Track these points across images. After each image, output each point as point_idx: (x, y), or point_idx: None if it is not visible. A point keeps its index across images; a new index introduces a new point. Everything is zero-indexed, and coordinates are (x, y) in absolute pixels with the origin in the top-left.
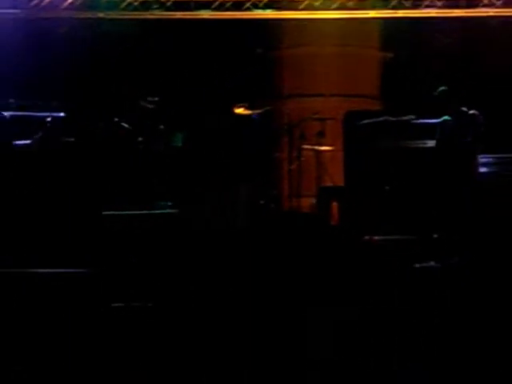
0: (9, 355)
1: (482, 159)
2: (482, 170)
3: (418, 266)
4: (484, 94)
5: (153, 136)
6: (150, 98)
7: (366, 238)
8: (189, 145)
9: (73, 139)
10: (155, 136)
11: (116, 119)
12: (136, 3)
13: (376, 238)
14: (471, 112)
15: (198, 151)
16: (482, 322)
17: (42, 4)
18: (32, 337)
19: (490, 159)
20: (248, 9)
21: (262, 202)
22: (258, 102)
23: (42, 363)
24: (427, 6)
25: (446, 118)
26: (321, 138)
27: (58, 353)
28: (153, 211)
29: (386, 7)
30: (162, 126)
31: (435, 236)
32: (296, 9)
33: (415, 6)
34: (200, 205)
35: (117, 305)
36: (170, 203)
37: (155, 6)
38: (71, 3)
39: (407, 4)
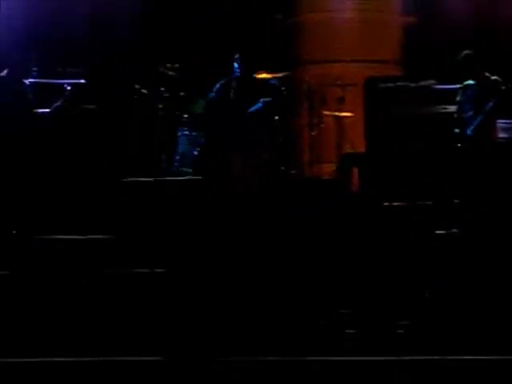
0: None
1: (501, 124)
2: (502, 135)
3: (438, 232)
4: (506, 60)
5: (173, 103)
6: (169, 65)
7: (387, 203)
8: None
9: (93, 106)
10: (175, 102)
11: (136, 86)
12: None
13: (397, 203)
14: (493, 78)
15: (217, 116)
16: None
17: None
18: (52, 300)
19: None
20: None
21: (282, 168)
22: (277, 67)
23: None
24: None
25: (468, 82)
26: (341, 104)
27: (75, 316)
28: (173, 178)
29: None
30: (182, 93)
31: (456, 201)
32: None
33: None
34: (222, 170)
35: (139, 270)
36: (190, 170)
37: None
38: None
39: None
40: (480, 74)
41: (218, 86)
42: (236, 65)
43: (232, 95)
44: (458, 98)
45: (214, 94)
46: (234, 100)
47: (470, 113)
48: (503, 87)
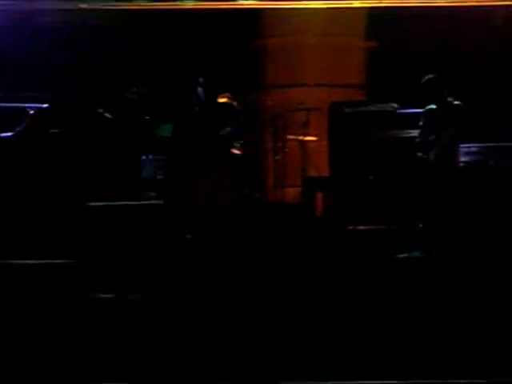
0: None
1: (463, 148)
2: (463, 159)
3: (402, 256)
4: (468, 82)
5: (137, 127)
6: (134, 89)
7: (351, 228)
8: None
9: (57, 130)
10: (140, 127)
11: (100, 110)
12: None
13: (361, 228)
14: (456, 102)
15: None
16: (463, 313)
17: None
18: (15, 328)
19: (472, 148)
20: None
21: (246, 191)
22: (241, 92)
23: (24, 355)
24: None
25: (430, 107)
26: (305, 128)
27: (41, 344)
28: (139, 202)
29: None
30: (147, 117)
31: (420, 226)
32: None
33: None
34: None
35: (105, 296)
36: (155, 194)
37: None
38: None
39: None
40: (443, 98)
41: (182, 111)
42: (200, 89)
43: (195, 120)
44: (420, 123)
45: (178, 120)
46: (197, 125)
47: (432, 137)
48: (465, 112)
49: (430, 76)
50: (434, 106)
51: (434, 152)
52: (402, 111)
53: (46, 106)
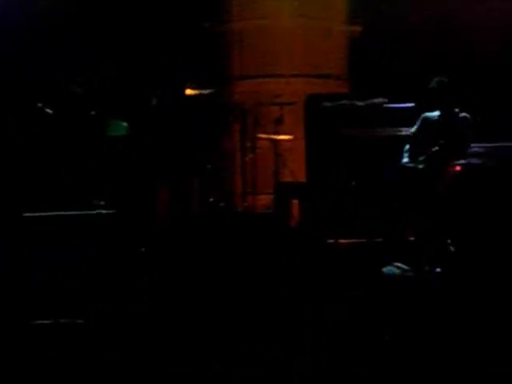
0: None
1: None
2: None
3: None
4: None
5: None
6: (79, 80)
7: (330, 241)
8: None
9: None
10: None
11: (40, 104)
12: None
13: (341, 241)
14: (463, 114)
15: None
16: (448, 329)
17: None
18: None
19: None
20: None
21: (211, 199)
22: (206, 83)
23: None
24: None
25: (429, 114)
26: (279, 125)
27: None
28: (82, 212)
29: None
30: (93, 112)
31: (404, 239)
32: None
33: None
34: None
35: (41, 322)
36: (102, 203)
37: None
38: None
39: None
40: (449, 106)
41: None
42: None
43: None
44: (413, 128)
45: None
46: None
47: (425, 145)
48: (472, 126)
49: (440, 78)
50: (431, 114)
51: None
52: (391, 106)
53: None
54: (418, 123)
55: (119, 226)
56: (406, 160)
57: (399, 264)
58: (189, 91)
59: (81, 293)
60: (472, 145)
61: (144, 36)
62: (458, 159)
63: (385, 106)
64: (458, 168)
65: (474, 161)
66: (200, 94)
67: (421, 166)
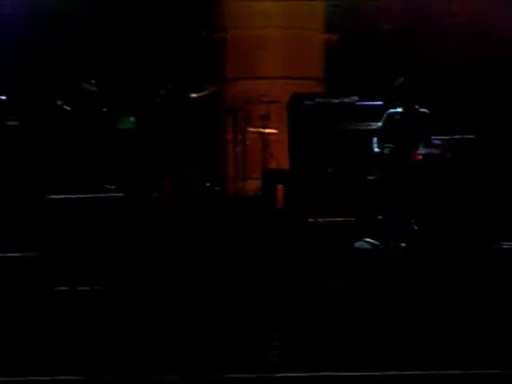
0: None
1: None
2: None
3: (357, 246)
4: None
5: (96, 119)
6: (93, 80)
7: (311, 220)
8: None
9: (16, 123)
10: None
11: (59, 102)
12: None
13: (320, 220)
14: (422, 110)
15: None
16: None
17: None
18: None
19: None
20: None
21: (207, 184)
22: (202, 84)
23: None
24: None
25: (393, 111)
26: (266, 120)
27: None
28: (99, 195)
29: None
30: (105, 109)
31: (377, 218)
32: None
33: None
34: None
35: (62, 288)
36: (114, 187)
37: None
38: None
39: None
40: (412, 103)
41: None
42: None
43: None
44: (380, 123)
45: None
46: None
47: (391, 138)
48: (430, 120)
49: (399, 80)
50: (395, 110)
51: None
52: (362, 103)
53: (3, 98)
54: (384, 118)
55: (126, 207)
56: (376, 150)
57: (369, 239)
58: (189, 91)
59: (99, 262)
60: (432, 137)
61: (149, 42)
62: (418, 149)
63: (356, 103)
64: (419, 157)
65: (434, 151)
66: (198, 94)
67: (386, 152)
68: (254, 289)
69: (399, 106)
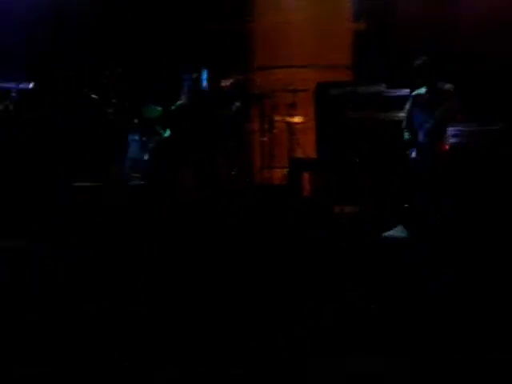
0: None
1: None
2: (452, 140)
3: (385, 235)
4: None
5: (123, 107)
6: (119, 69)
7: (337, 208)
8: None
9: (38, 115)
10: (125, 107)
11: (86, 90)
12: None
13: (346, 208)
14: (447, 87)
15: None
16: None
17: None
18: None
19: (459, 131)
20: None
21: (233, 173)
22: (230, 73)
23: None
24: None
25: (418, 91)
26: (292, 109)
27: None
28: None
29: None
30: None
31: (403, 206)
32: None
33: None
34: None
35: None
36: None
37: None
38: None
39: None
40: (434, 82)
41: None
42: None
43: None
44: (407, 106)
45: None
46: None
47: (420, 120)
48: (455, 96)
49: (422, 58)
50: (421, 91)
51: (422, 135)
52: (389, 92)
53: (30, 86)
54: (410, 101)
55: (148, 193)
56: (406, 137)
57: (398, 229)
58: (218, 80)
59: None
60: (459, 127)
61: (177, 31)
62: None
63: (384, 92)
64: (446, 147)
65: (461, 141)
66: (226, 82)
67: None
68: (276, 279)
69: (422, 86)
